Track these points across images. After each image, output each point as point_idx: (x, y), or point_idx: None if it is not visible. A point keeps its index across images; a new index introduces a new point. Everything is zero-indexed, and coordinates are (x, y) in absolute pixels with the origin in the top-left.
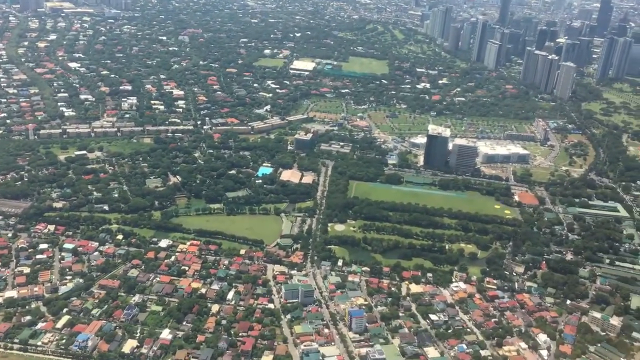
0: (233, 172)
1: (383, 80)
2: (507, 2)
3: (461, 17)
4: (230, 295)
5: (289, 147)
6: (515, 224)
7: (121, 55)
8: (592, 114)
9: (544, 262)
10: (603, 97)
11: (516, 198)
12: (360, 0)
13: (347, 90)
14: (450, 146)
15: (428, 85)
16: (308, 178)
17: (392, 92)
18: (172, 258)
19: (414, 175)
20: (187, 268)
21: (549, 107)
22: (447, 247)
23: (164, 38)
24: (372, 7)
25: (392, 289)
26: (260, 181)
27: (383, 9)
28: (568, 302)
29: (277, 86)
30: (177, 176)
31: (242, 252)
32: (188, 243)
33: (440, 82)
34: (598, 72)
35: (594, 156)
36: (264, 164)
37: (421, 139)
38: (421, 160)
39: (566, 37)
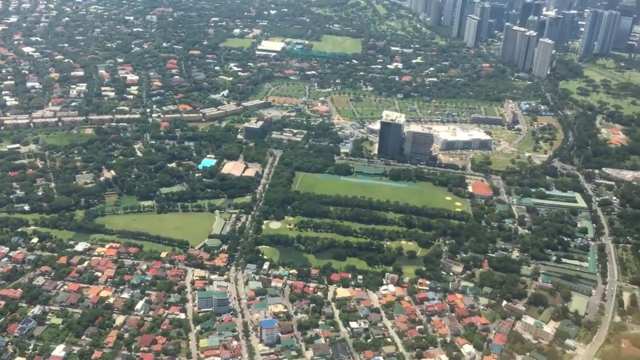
0: (173, 165)
1: (353, 61)
2: None
3: None
4: (139, 305)
5: (239, 136)
6: (463, 217)
7: (81, 38)
8: (568, 93)
9: (486, 260)
10: (584, 74)
11: (469, 189)
12: None
13: (313, 72)
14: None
15: (400, 65)
16: (251, 170)
17: (361, 73)
18: (86, 263)
19: (366, 165)
20: (100, 274)
21: (523, 86)
22: (385, 245)
23: (131, 18)
24: None
25: (318, 293)
26: (199, 174)
27: None
28: (504, 303)
29: (240, 69)
30: (112, 170)
31: (164, 255)
32: (107, 246)
33: (413, 61)
34: (582, 47)
35: (561, 140)
36: (207, 156)
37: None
38: (377, 148)
39: (556, 10)
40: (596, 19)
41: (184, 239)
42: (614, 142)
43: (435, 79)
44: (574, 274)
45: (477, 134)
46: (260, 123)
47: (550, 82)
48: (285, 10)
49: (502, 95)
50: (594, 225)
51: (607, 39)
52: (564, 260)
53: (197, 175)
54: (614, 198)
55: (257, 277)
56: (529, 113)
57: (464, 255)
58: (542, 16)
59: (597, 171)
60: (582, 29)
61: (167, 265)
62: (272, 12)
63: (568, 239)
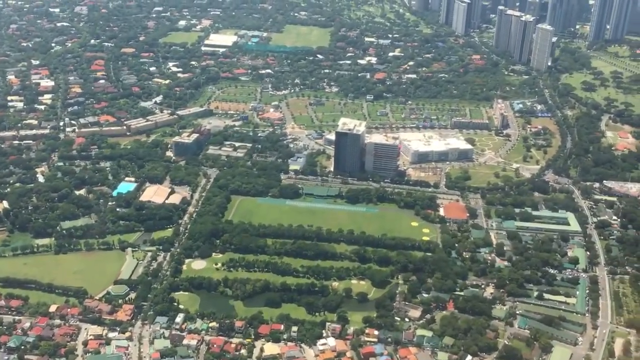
0: (82, 191)
1: (318, 56)
2: None
3: None
4: None
5: (168, 153)
6: (430, 248)
7: None
8: (571, 89)
9: (451, 300)
10: (592, 66)
11: (441, 211)
12: None
13: (268, 71)
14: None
15: (374, 60)
16: (176, 196)
17: (326, 70)
18: None
19: (318, 185)
20: None
21: (519, 82)
22: (330, 287)
23: (57, 10)
24: None
25: (241, 351)
26: (113, 203)
27: None
28: (468, 359)
29: (180, 69)
30: (4, 201)
31: (53, 308)
32: None
33: (390, 54)
34: (591, 33)
35: (557, 147)
36: (126, 179)
37: None
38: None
39: None
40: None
41: (82, 287)
42: (621, 148)
43: (414, 76)
44: (559, 315)
45: (456, 142)
46: (194, 136)
47: (550, 75)
48: None
49: (492, 93)
50: (588, 252)
51: (621, 22)
52: (547, 296)
53: (110, 204)
54: (614, 218)
55: (166, 334)
56: (522, 114)
57: (426, 295)
58: None
59: (597, 185)
60: (593, 11)
61: (57, 321)
62: None
63: (555, 270)
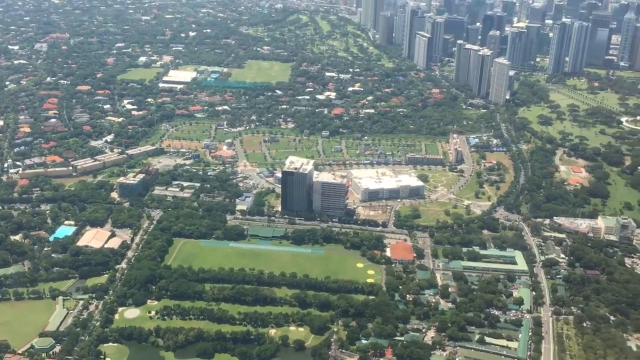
0: (18, 237)
1: (277, 91)
2: None
3: (400, 3)
4: None
5: (113, 195)
6: (373, 290)
7: None
8: (527, 123)
9: (390, 346)
10: (550, 99)
11: (387, 252)
12: None
13: (225, 107)
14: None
15: (333, 95)
16: (116, 240)
17: (284, 106)
18: None
19: (265, 225)
20: None
21: (476, 115)
22: (267, 334)
23: (16, 47)
24: None
25: None
26: (49, 249)
27: None
28: None
29: (135, 107)
30: None
31: None
32: None
33: (350, 89)
34: (550, 66)
35: (511, 183)
36: (65, 222)
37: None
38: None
39: (527, 22)
40: (565, 32)
41: (5, 340)
42: (573, 183)
43: (372, 111)
44: None
45: (408, 179)
46: (140, 177)
47: (508, 109)
48: (208, 31)
49: (448, 128)
50: (533, 292)
51: (579, 54)
52: (488, 340)
53: (45, 249)
54: (562, 256)
55: None
56: (478, 149)
57: (364, 341)
58: (507, 30)
59: (547, 221)
60: (552, 44)
61: None
62: (192, 33)
63: (499, 312)
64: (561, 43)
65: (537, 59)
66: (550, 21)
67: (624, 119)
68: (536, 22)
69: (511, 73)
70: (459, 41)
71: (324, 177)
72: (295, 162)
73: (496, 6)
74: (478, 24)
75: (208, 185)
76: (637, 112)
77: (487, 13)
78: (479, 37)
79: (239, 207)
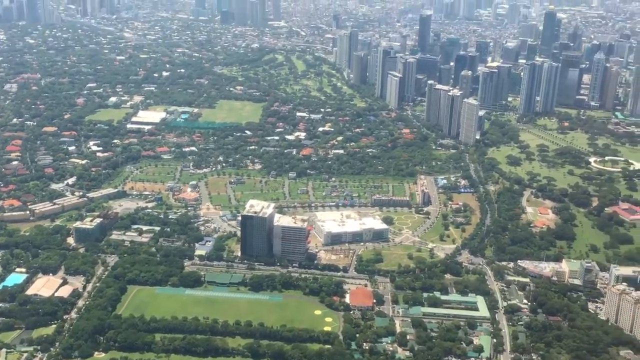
0: None
1: (247, 131)
2: (427, 22)
3: (374, 42)
4: None
5: (70, 240)
6: (329, 339)
7: None
8: (496, 164)
9: None
10: (520, 139)
11: (347, 298)
12: (272, 24)
13: (192, 149)
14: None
15: (303, 135)
16: (67, 289)
17: (252, 147)
18: None
19: (223, 271)
20: None
21: (445, 156)
22: None
23: None
24: (284, 32)
25: None
26: None
27: (296, 33)
28: None
29: (100, 149)
30: None
31: None
32: None
33: (320, 129)
34: (521, 106)
35: (476, 225)
36: (17, 270)
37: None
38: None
39: (501, 61)
40: (535, 72)
41: None
42: (540, 225)
43: (341, 151)
44: None
45: (372, 222)
46: (97, 221)
47: (477, 150)
48: (182, 71)
49: (416, 169)
50: (494, 340)
51: (550, 94)
52: None
53: None
54: (525, 302)
55: None
56: (446, 191)
57: None
58: (479, 70)
59: (511, 265)
60: (522, 83)
61: None
62: (165, 73)
63: None
64: (532, 83)
65: (509, 99)
66: (524, 61)
67: (592, 159)
68: (509, 62)
69: (481, 113)
70: (430, 81)
71: (285, 220)
72: (256, 206)
73: (470, 46)
74: (452, 63)
75: (168, 229)
76: (605, 152)
77: (460, 53)
78: (452, 76)
79: (197, 252)
